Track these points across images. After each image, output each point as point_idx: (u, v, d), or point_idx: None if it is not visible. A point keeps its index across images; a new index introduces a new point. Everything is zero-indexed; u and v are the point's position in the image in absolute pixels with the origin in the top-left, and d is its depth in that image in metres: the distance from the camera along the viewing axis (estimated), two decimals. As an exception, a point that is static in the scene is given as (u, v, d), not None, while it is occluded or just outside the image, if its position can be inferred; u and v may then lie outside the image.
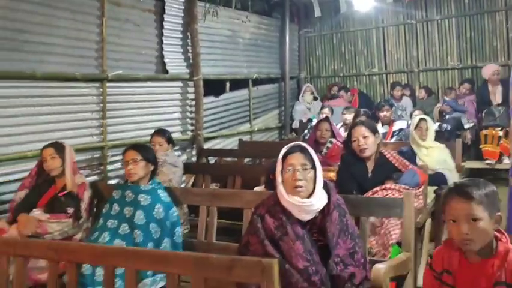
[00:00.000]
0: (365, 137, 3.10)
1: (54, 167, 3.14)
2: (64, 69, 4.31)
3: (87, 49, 4.55)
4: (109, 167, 4.77)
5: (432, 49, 7.42)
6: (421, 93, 7.20)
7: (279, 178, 2.18)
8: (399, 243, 2.62)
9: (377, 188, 2.95)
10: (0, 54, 3.67)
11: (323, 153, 4.25)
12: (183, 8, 5.67)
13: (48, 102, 4.21)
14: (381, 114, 5.81)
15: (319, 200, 2.15)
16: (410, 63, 7.63)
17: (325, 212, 2.15)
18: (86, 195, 3.10)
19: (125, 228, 2.76)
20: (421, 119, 4.15)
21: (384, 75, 7.93)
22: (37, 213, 2.93)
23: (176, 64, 5.63)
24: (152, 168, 2.95)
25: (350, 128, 3.23)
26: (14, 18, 3.85)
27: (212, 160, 5.59)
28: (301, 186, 2.12)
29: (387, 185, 2.93)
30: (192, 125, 5.88)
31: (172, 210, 2.82)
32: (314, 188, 2.15)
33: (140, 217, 2.75)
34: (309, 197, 2.14)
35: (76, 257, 1.94)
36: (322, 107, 6.70)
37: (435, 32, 7.37)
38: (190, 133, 5.84)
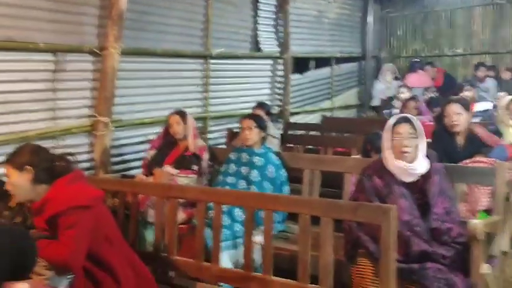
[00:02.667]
0: (457, 114, 3.36)
1: (178, 131, 3.70)
2: (177, 46, 4.87)
3: (195, 29, 5.08)
4: (209, 136, 5.32)
5: (521, 30, 7.32)
6: (506, 75, 7.15)
7: (387, 144, 2.55)
8: (486, 211, 2.91)
9: (467, 161, 3.22)
10: (129, 33, 4.25)
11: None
12: (277, -10, 6.08)
13: (163, 76, 4.79)
14: (463, 94, 5.92)
15: (421, 165, 2.50)
16: (496, 44, 7.56)
17: (426, 175, 2.50)
18: (206, 156, 3.63)
19: (243, 184, 3.26)
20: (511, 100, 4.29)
21: (467, 57, 7.91)
22: (168, 168, 3.50)
23: (268, 43, 6.06)
24: (263, 135, 3.42)
25: (444, 104, 3.50)
26: (140, 1, 4.42)
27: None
28: (407, 152, 2.48)
29: (478, 158, 3.20)
30: (279, 100, 6.31)
31: (282, 171, 3.28)
32: (417, 154, 2.51)
33: (255, 175, 3.23)
34: (413, 162, 2.50)
35: (223, 199, 2.45)
36: (400, 87, 6.87)
37: (524, 13, 7.25)
38: (277, 108, 6.28)
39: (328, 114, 7.37)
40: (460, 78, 7.83)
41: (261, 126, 3.39)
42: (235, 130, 5.05)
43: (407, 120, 2.55)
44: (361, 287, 2.32)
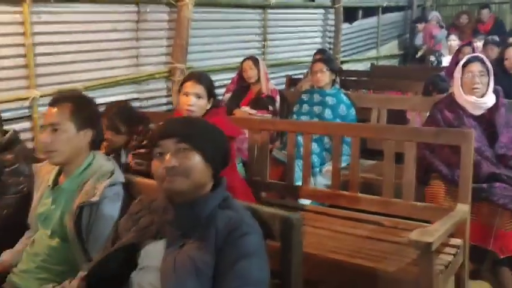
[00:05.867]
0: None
1: (252, 76, 4.06)
2: (240, -3, 5.15)
3: (255, -22, 5.32)
4: (267, 83, 5.64)
5: None
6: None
7: (458, 82, 2.84)
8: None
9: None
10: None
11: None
12: None
13: (227, 26, 5.09)
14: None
15: (490, 99, 2.80)
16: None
17: (493, 108, 2.80)
18: (278, 97, 3.99)
19: (317, 121, 3.62)
20: None
21: (516, 4, 7.88)
22: (246, 108, 3.88)
23: (321, -8, 6.26)
24: (334, 76, 3.74)
25: (504, 47, 3.72)
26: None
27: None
28: (478, 88, 2.77)
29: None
30: (330, 49, 6.54)
31: (351, 110, 3.61)
32: (486, 90, 2.80)
33: (328, 113, 3.58)
34: (483, 97, 2.79)
35: (311, 129, 2.82)
36: (449, 34, 6.97)
37: None
38: (328, 56, 6.53)
39: (374, 63, 7.58)
40: (508, 25, 7.84)
41: (332, 68, 3.70)
42: (293, 76, 5.38)
43: (478, 59, 2.82)
44: (434, 203, 2.69)
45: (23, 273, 1.72)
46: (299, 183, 2.90)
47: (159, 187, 1.36)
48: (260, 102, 3.90)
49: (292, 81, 5.23)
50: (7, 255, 1.84)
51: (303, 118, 3.67)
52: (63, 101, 1.74)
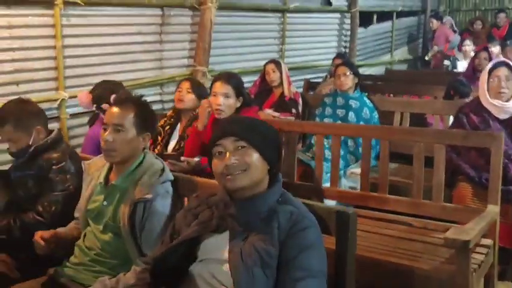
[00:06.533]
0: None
1: (274, 79, 4.13)
2: (260, 1, 5.21)
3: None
4: (286, 86, 5.71)
5: None
6: None
7: (484, 86, 2.89)
8: None
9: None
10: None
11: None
12: None
13: (247, 29, 5.17)
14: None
15: (515, 103, 2.85)
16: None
17: (518, 112, 2.85)
18: (300, 100, 4.06)
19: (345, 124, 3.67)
20: None
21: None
22: (270, 111, 3.95)
23: (338, -4, 6.33)
24: (356, 80, 3.79)
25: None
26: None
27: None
28: (504, 93, 2.82)
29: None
30: (345, 53, 6.60)
31: (374, 113, 3.67)
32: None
33: (352, 117, 3.64)
34: (508, 101, 2.84)
35: (340, 131, 2.88)
36: (464, 39, 7.02)
37: None
38: (343, 60, 6.58)
39: (388, 67, 7.64)
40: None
41: (355, 72, 3.76)
42: (311, 80, 5.45)
43: (504, 64, 2.88)
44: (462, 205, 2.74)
45: (77, 265, 1.79)
46: (326, 184, 2.96)
47: (219, 184, 1.42)
48: (283, 104, 3.96)
49: (310, 85, 5.29)
50: (61, 229, 1.94)
51: (326, 121, 3.72)
52: (127, 102, 1.81)
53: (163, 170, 1.81)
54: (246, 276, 1.25)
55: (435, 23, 7.60)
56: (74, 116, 3.75)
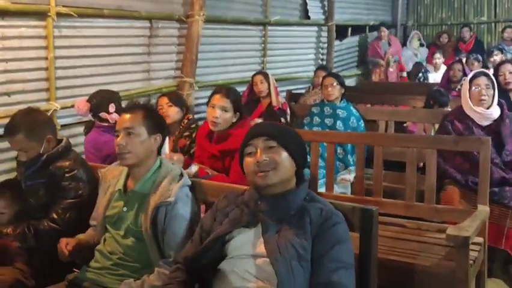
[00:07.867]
0: (511, 73, 3.90)
1: (263, 89, 4.25)
2: (243, 14, 5.33)
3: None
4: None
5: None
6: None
7: (466, 94, 3.09)
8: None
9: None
10: (208, 3, 4.71)
11: (456, 89, 5.06)
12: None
13: (231, 42, 5.27)
14: (492, 59, 6.42)
15: (495, 111, 3.05)
16: (521, 12, 8.01)
17: (498, 120, 3.06)
18: (288, 110, 4.18)
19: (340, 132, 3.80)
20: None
21: (492, 24, 8.37)
22: (259, 121, 4.04)
23: (315, 11, 6.52)
24: (342, 90, 3.95)
25: (498, 64, 4.03)
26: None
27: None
28: (485, 100, 3.02)
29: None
30: (325, 65, 6.81)
31: (360, 122, 3.82)
32: (492, 102, 3.06)
33: (340, 125, 3.78)
34: (489, 108, 3.05)
35: (335, 139, 3.00)
36: (434, 53, 7.34)
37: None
38: (320, 72, 6.79)
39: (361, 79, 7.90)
40: (486, 46, 8.29)
41: (342, 83, 3.92)
42: (293, 91, 5.60)
43: (483, 73, 3.09)
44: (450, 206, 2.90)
45: (100, 270, 1.82)
46: (321, 190, 3.07)
47: (250, 183, 1.52)
48: (273, 114, 4.07)
49: (292, 96, 5.43)
50: (81, 235, 1.99)
51: (315, 130, 3.85)
52: (136, 107, 1.88)
53: (181, 175, 1.88)
54: (285, 269, 1.34)
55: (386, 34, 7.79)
56: (65, 126, 3.74)
